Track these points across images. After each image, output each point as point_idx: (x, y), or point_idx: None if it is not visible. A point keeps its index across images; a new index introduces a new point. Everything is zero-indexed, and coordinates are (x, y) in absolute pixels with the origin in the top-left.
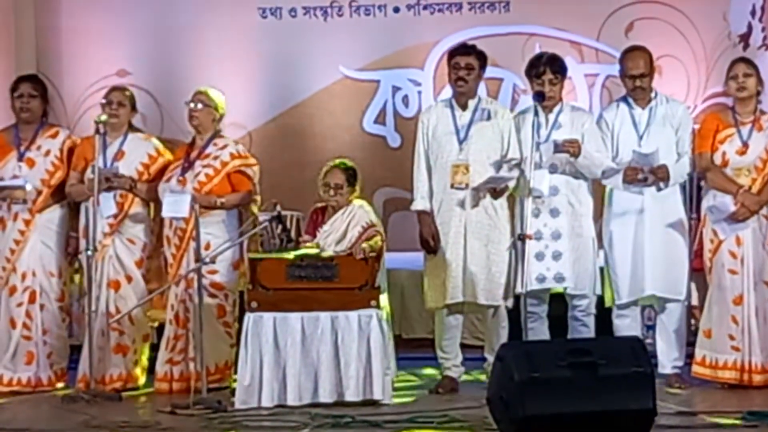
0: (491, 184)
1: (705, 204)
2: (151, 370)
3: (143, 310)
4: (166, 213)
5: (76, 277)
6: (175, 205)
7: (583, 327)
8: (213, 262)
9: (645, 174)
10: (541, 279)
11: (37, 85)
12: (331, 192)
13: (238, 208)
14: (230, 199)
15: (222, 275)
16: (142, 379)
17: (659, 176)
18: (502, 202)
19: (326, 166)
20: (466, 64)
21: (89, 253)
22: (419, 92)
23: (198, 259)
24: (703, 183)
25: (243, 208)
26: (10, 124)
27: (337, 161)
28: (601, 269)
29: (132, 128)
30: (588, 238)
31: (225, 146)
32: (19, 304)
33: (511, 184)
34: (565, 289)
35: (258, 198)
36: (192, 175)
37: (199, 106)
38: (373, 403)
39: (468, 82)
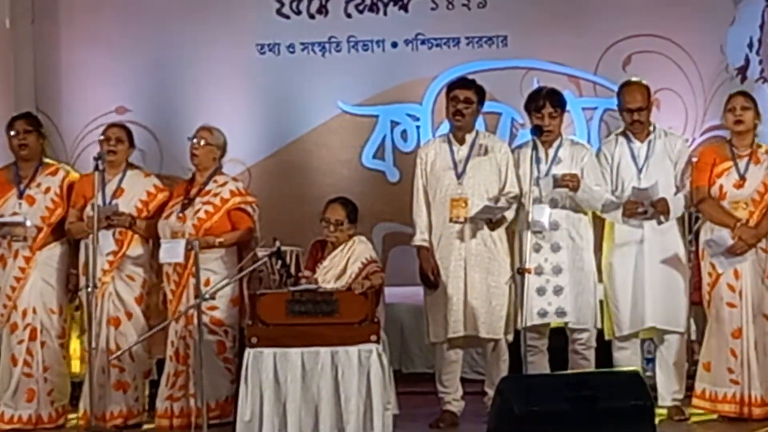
0: (487, 214)
1: (703, 237)
2: (151, 407)
3: (144, 346)
4: (162, 259)
5: (77, 314)
6: (171, 251)
7: (584, 360)
8: (213, 298)
9: (645, 207)
10: (543, 313)
11: (31, 120)
12: (331, 228)
13: (238, 245)
14: (228, 238)
15: (222, 311)
16: (142, 416)
17: (659, 210)
18: (501, 235)
19: (326, 201)
20: (465, 97)
21: (89, 290)
22: (418, 127)
23: (197, 295)
24: (700, 216)
25: (242, 245)
26: (10, 163)
27: (337, 197)
28: (601, 302)
29: (130, 165)
30: (589, 271)
31: (225, 183)
32: (20, 342)
33: (509, 215)
34: (567, 323)
35: (257, 235)
36: (192, 211)
37: (201, 142)
38: None
39: (465, 116)
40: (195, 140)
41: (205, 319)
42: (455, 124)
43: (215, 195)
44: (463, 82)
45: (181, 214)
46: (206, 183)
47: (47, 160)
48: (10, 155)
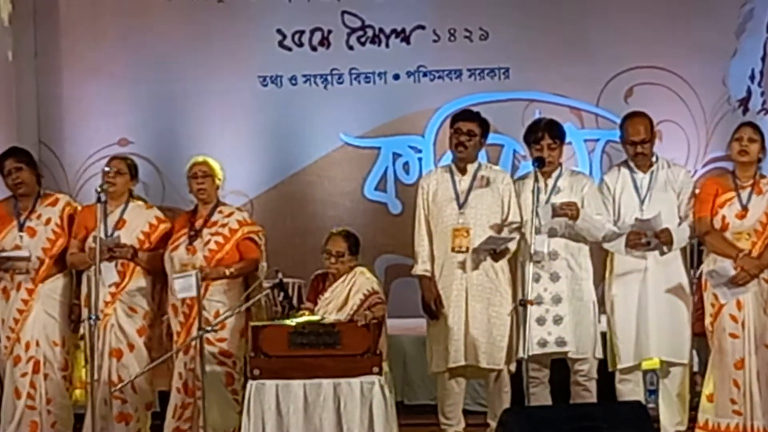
0: (491, 245)
1: (705, 268)
2: None
3: (146, 378)
4: (179, 294)
5: (81, 344)
6: (185, 285)
7: (585, 392)
8: (216, 330)
9: (648, 238)
10: (543, 343)
11: (20, 156)
12: (332, 259)
13: (245, 275)
14: (238, 268)
15: (230, 343)
16: None
17: (663, 240)
18: (503, 265)
19: (328, 233)
20: (468, 129)
21: (92, 321)
22: (420, 159)
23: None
24: (703, 247)
25: (249, 275)
26: (9, 195)
27: (339, 229)
28: (604, 333)
29: (133, 197)
30: (588, 301)
31: (231, 213)
32: (24, 374)
33: (512, 246)
34: (567, 353)
35: (264, 265)
36: (201, 243)
37: (205, 180)
38: None
39: (468, 148)
40: (197, 178)
41: (214, 350)
42: (457, 155)
43: (223, 225)
44: (466, 114)
45: (189, 246)
46: (211, 214)
47: (46, 191)
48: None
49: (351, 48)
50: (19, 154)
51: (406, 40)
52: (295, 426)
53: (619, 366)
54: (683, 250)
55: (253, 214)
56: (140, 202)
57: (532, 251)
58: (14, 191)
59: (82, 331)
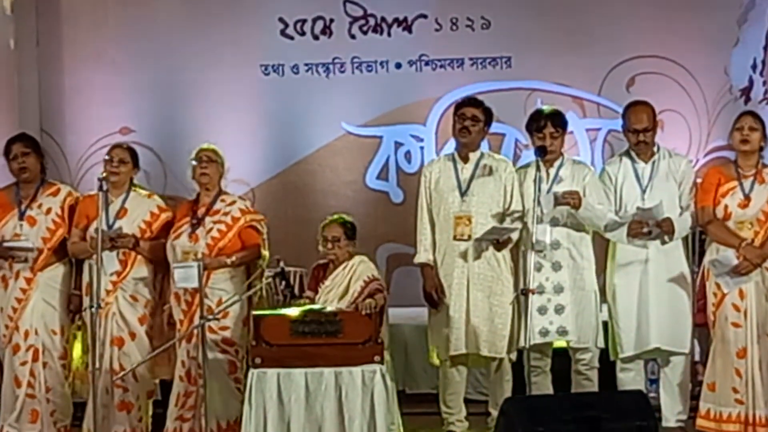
0: (494, 234)
1: (708, 258)
2: (155, 427)
3: (147, 366)
4: (178, 284)
5: (79, 334)
6: (187, 276)
7: (587, 381)
8: (218, 319)
9: (650, 227)
10: (544, 332)
11: (27, 142)
12: (329, 245)
13: (247, 263)
14: (240, 256)
15: (233, 331)
16: None
17: (664, 229)
18: (505, 254)
19: (325, 220)
20: (472, 114)
21: (94, 310)
22: (421, 148)
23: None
24: (705, 237)
25: (251, 263)
26: (11, 183)
27: (335, 216)
28: (605, 323)
29: (134, 186)
30: (590, 291)
31: (233, 202)
32: (23, 363)
33: (514, 236)
34: (569, 342)
35: (266, 253)
36: (203, 231)
37: (210, 165)
38: None
39: (471, 133)
40: (201, 162)
41: (217, 338)
42: (461, 140)
43: (225, 214)
44: (471, 101)
45: (192, 234)
46: (214, 202)
47: (49, 180)
48: (11, 176)
49: (353, 37)
50: (26, 139)
51: (408, 29)
52: (297, 414)
53: (621, 355)
54: (684, 240)
55: (255, 203)
56: (141, 191)
57: (534, 240)
58: (18, 176)
59: (79, 322)
